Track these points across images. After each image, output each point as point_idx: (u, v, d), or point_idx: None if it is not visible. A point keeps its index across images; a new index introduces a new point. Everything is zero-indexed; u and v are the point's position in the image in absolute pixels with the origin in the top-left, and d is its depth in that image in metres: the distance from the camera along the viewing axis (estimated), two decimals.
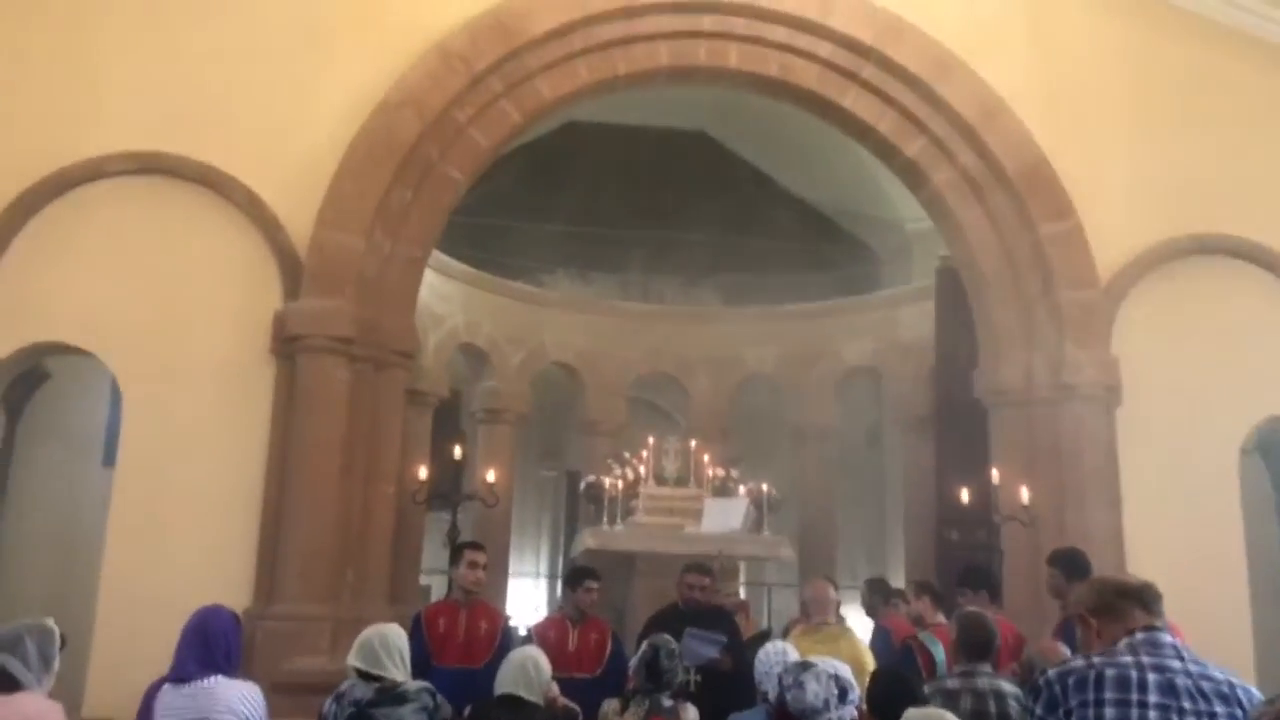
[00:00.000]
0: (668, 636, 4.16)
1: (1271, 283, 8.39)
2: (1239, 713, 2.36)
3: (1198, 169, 8.48)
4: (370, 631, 4.05)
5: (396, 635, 4.02)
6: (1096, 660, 2.41)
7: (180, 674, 3.66)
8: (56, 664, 3.54)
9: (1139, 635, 2.39)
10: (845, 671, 3.61)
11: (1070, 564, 5.93)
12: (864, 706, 3.69)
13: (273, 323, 7.17)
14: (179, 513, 6.81)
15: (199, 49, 7.45)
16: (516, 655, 4.11)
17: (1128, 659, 2.36)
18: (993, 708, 3.92)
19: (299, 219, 7.31)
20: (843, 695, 3.54)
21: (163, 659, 3.81)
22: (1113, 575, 2.55)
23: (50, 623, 3.55)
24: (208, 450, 6.96)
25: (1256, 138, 8.67)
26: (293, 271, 7.23)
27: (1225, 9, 8.72)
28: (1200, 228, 8.34)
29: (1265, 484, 9.24)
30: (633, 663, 4.13)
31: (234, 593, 6.68)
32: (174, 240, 7.21)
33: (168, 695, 3.64)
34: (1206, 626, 5.99)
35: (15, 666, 3.39)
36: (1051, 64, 8.49)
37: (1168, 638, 2.38)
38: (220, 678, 3.69)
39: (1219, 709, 2.34)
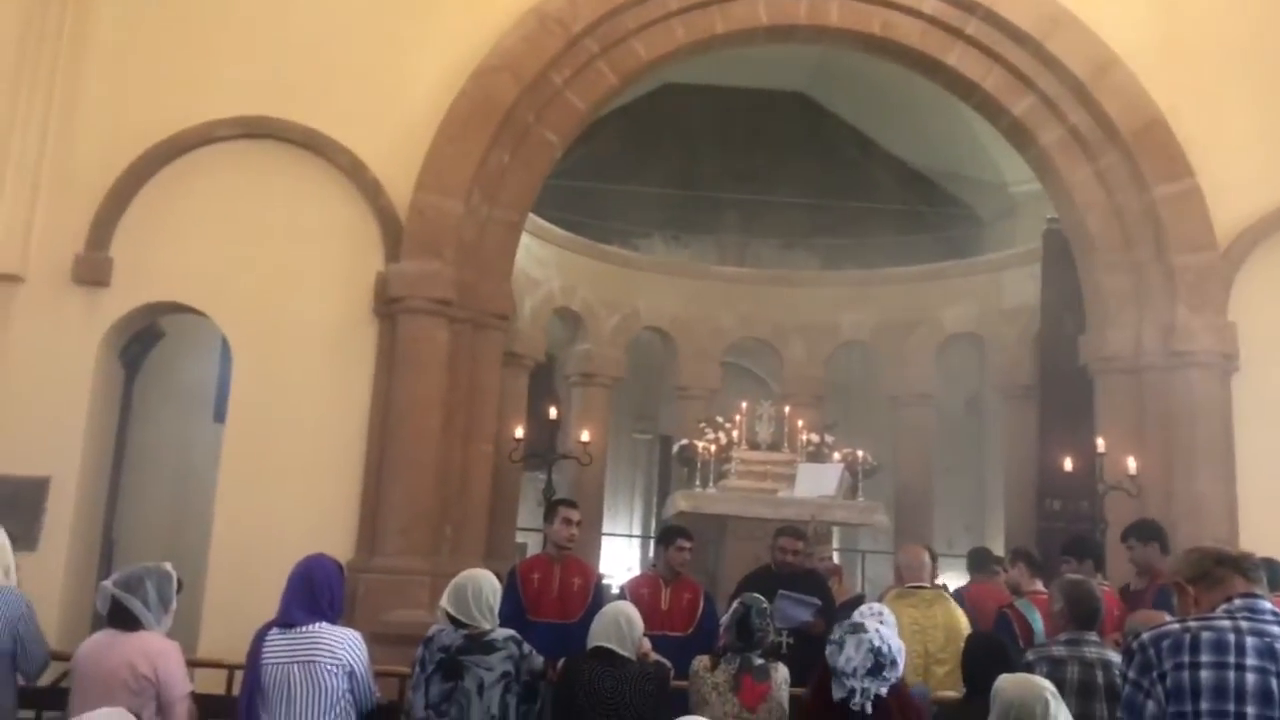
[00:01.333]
0: (759, 596, 4.16)
1: None
2: None
3: None
4: (464, 577, 4.14)
5: (489, 583, 4.11)
6: (1192, 624, 2.37)
7: (286, 619, 3.81)
8: (174, 605, 3.73)
9: (1237, 601, 2.35)
10: (893, 648, 3.54)
11: (1165, 537, 5.77)
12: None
13: (375, 284, 7.33)
14: (285, 467, 7.03)
15: (304, 15, 7.61)
16: (610, 610, 4.16)
17: (1225, 623, 2.32)
18: (1100, 678, 3.84)
19: (399, 182, 7.44)
20: (876, 669, 3.48)
21: (271, 605, 3.96)
22: (1210, 545, 2.47)
23: (169, 567, 3.74)
24: (313, 408, 7.17)
25: None
26: (394, 234, 7.37)
27: None
28: None
29: None
30: (724, 620, 4.14)
31: (338, 545, 6.89)
32: (280, 203, 7.40)
33: (275, 638, 3.79)
34: None
35: (136, 606, 3.59)
36: (1169, 16, 8.11)
37: (1267, 604, 2.33)
38: (324, 624, 3.82)
39: None
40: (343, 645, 3.80)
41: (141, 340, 8.17)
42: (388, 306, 7.29)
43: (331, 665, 3.73)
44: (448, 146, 7.47)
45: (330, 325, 7.32)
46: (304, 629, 3.78)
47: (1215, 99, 8.00)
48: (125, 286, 7.20)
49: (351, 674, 3.78)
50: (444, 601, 4.08)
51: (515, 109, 7.63)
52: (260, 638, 3.83)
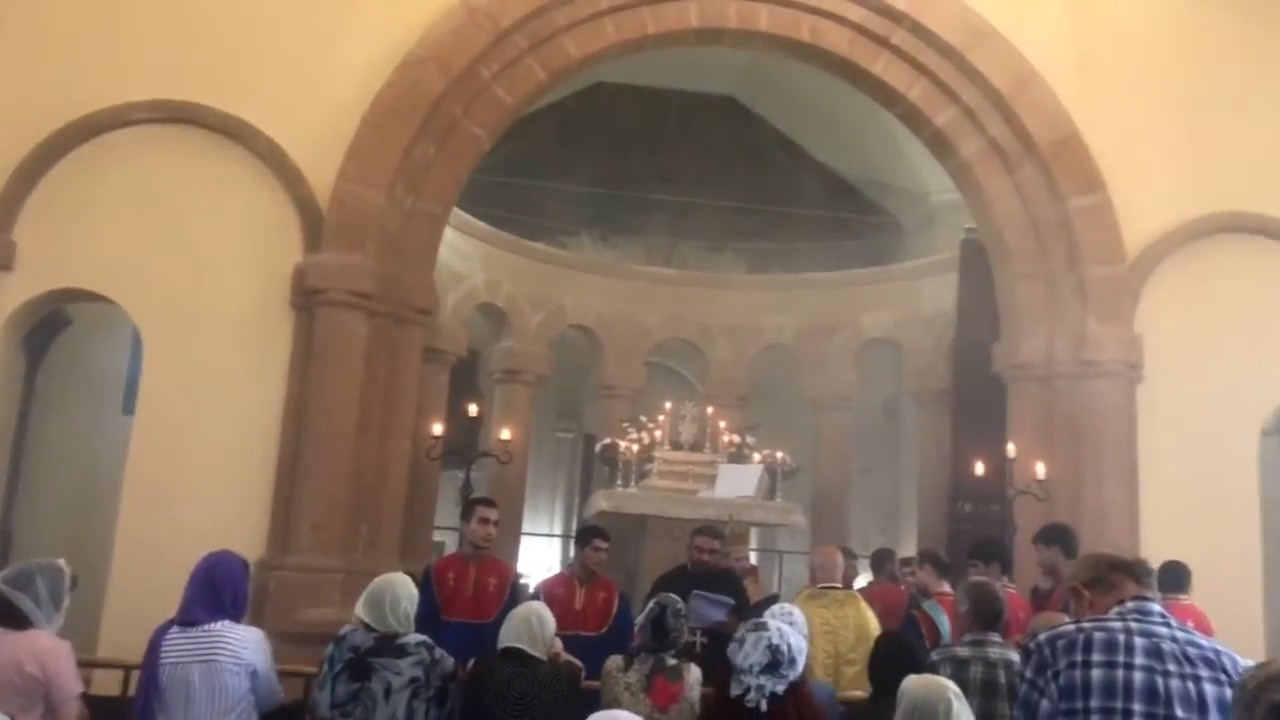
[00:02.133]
0: (675, 596, 4.17)
1: None
2: (1223, 677, 2.42)
3: (1232, 146, 8.33)
4: (380, 583, 4.08)
5: (406, 591, 4.05)
6: (1086, 625, 2.48)
7: (187, 617, 3.71)
8: (66, 603, 3.60)
9: (1129, 604, 2.45)
10: (793, 646, 3.58)
11: (1069, 541, 5.93)
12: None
13: (292, 275, 7.19)
14: (196, 461, 6.86)
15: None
16: (521, 610, 4.14)
17: (1117, 624, 2.43)
18: (1002, 677, 3.93)
19: (321, 172, 7.30)
20: (773, 667, 3.51)
21: (176, 604, 3.85)
22: (1105, 550, 2.56)
23: (61, 563, 3.60)
24: (226, 401, 7.00)
25: None
26: (314, 225, 7.24)
27: None
28: (1231, 205, 8.20)
29: None
30: (639, 620, 4.14)
31: (248, 542, 6.72)
32: (197, 190, 7.21)
33: (174, 637, 3.69)
34: (1219, 606, 6.00)
35: (26, 604, 3.45)
36: (1088, 34, 8.34)
37: (1156, 606, 2.44)
38: (227, 622, 3.73)
39: (1203, 673, 2.41)
40: (245, 644, 3.71)
41: (47, 328, 7.91)
42: (305, 299, 7.15)
43: (233, 665, 3.64)
44: (372, 137, 7.36)
45: (245, 317, 7.15)
46: (205, 628, 3.68)
47: (1128, 116, 8.24)
48: (30, 271, 6.93)
49: (254, 674, 3.70)
50: (359, 609, 4.01)
51: (442, 101, 7.55)
52: (159, 637, 3.72)
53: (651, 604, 4.06)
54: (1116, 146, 8.12)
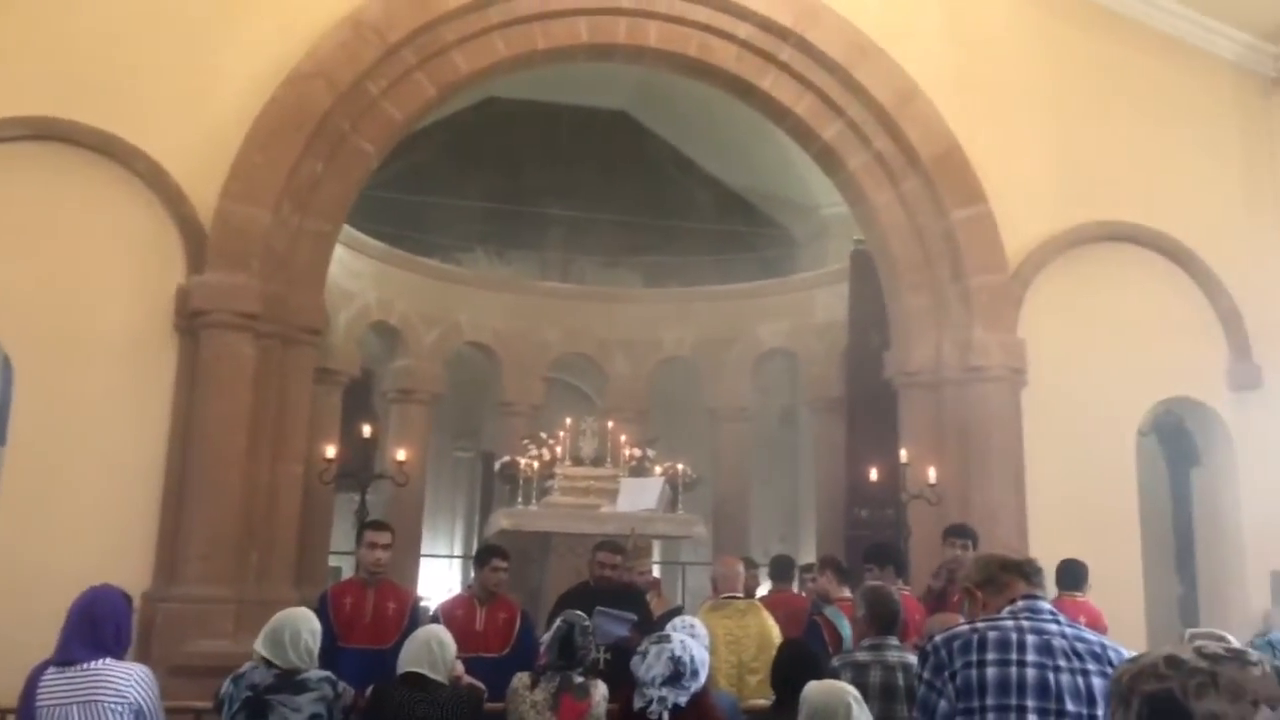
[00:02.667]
0: (582, 614, 4.14)
1: (1171, 269, 8.70)
2: (1109, 670, 2.53)
3: (1104, 158, 8.74)
4: (280, 618, 3.93)
5: (306, 623, 3.92)
6: (980, 625, 2.56)
7: (66, 656, 3.53)
8: None
9: (1020, 602, 2.54)
10: (695, 658, 3.60)
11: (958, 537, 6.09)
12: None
13: (176, 297, 6.97)
14: (75, 493, 6.58)
15: (99, 9, 7.16)
16: (420, 634, 4.06)
17: (1009, 623, 2.52)
18: (901, 680, 4.00)
19: (204, 191, 7.10)
20: (675, 678, 3.54)
21: (54, 642, 3.66)
22: (995, 551, 2.66)
23: None
24: (106, 428, 6.74)
25: (1161, 130, 8.96)
26: (197, 245, 7.03)
27: (1133, 3, 8.96)
28: (1105, 215, 8.59)
29: (1160, 465, 9.58)
30: (545, 639, 4.09)
31: (133, 574, 6.46)
32: (71, 210, 6.93)
33: (51, 679, 3.50)
34: (1103, 600, 6.22)
35: None
36: (966, 51, 8.64)
37: (1045, 604, 2.54)
38: (109, 660, 3.56)
39: (1091, 666, 2.52)
40: (129, 682, 3.54)
41: None
42: (189, 321, 6.94)
43: (116, 704, 3.47)
44: (256, 154, 7.19)
45: (126, 340, 6.90)
46: (85, 666, 3.51)
47: (1004, 130, 8.56)
48: None
49: (139, 713, 3.53)
50: (259, 644, 3.86)
51: (329, 117, 7.42)
52: (35, 677, 3.53)
53: (559, 622, 4.02)
54: (995, 159, 8.42)
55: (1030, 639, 2.45)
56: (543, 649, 4.20)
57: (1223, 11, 9.00)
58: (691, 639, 3.74)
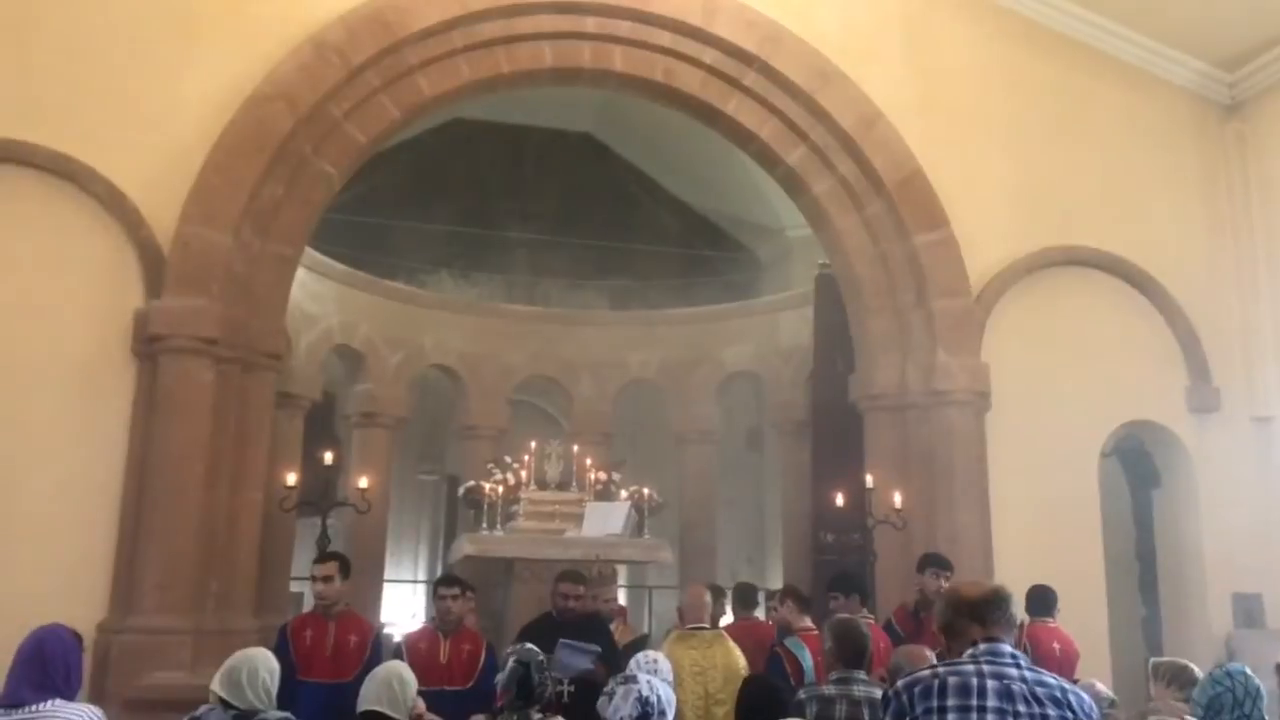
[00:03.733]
0: (533, 649, 4.06)
1: (1130, 293, 8.81)
2: (1069, 715, 2.53)
3: (1064, 183, 8.85)
4: (237, 658, 3.84)
5: (266, 665, 3.82)
6: (941, 670, 2.56)
7: (13, 699, 3.40)
8: None
9: (981, 646, 2.53)
10: (662, 698, 3.56)
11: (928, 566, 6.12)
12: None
13: (133, 322, 6.87)
14: (29, 521, 6.47)
15: (56, 31, 7.08)
16: (380, 671, 3.97)
17: (969, 667, 2.51)
18: (867, 715, 3.96)
19: (163, 214, 7.02)
20: (644, 719, 3.49)
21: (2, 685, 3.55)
22: (964, 586, 2.64)
23: None
24: (62, 455, 6.62)
25: (1120, 155, 9.10)
26: (156, 269, 6.94)
27: (1089, 29, 9.11)
28: (1066, 240, 8.70)
29: (1122, 487, 9.67)
30: (500, 679, 4.02)
31: (87, 606, 6.41)
32: (25, 233, 6.85)
33: None
34: (1068, 622, 6.23)
35: None
36: (927, 77, 8.73)
37: (1007, 648, 2.53)
38: (58, 701, 3.44)
39: (1051, 712, 2.52)
40: None
41: None
42: (148, 346, 6.84)
43: None
44: (216, 176, 7.11)
45: (82, 366, 6.79)
46: (34, 708, 3.39)
47: (966, 155, 8.65)
48: None
49: None
50: (215, 685, 3.76)
51: (291, 140, 7.36)
52: None
53: (513, 662, 3.93)
54: (957, 184, 8.50)
55: (990, 684, 2.45)
56: (499, 689, 4.11)
57: (1179, 40, 9.16)
58: (657, 677, 3.69)
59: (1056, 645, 5.86)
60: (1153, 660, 4.48)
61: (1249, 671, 3.67)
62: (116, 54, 7.14)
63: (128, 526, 6.65)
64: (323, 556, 5.72)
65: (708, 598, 5.70)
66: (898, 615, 6.40)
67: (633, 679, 3.56)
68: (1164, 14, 8.91)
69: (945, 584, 5.91)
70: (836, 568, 8.00)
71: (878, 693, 3.94)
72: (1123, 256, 8.77)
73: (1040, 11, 9.03)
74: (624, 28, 8.17)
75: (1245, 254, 9.09)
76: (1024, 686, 2.45)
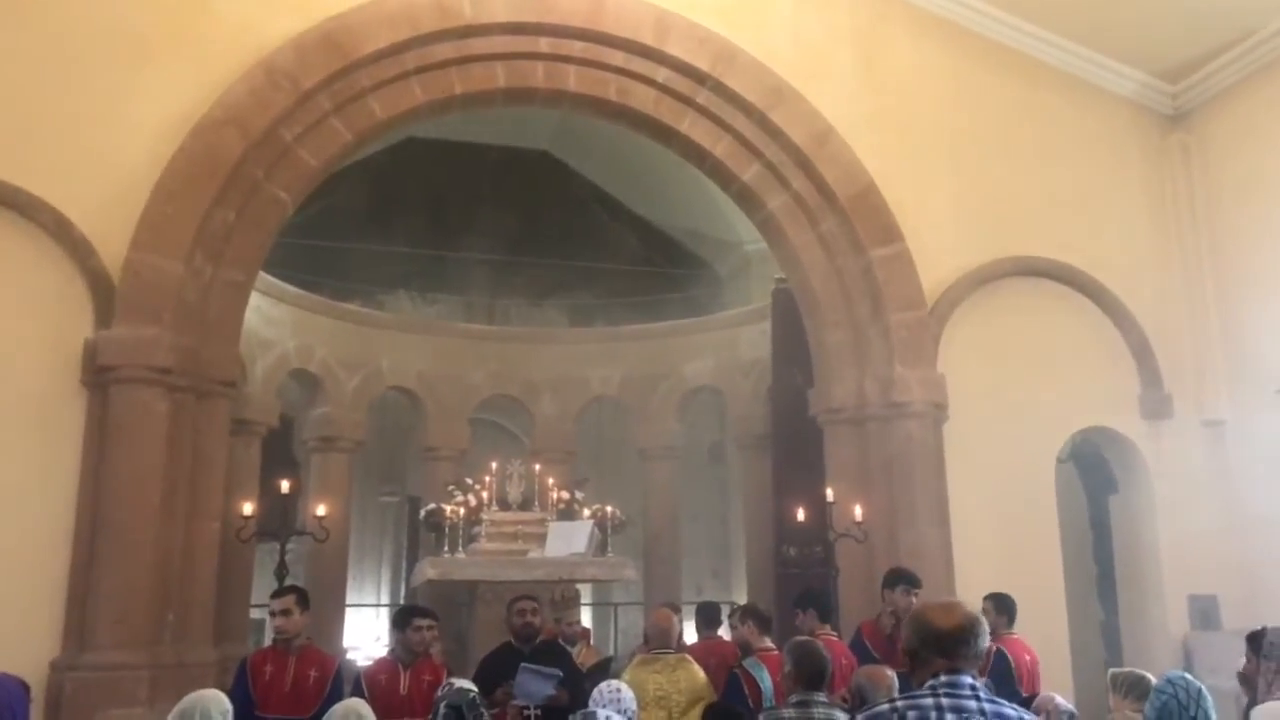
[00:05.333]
0: (464, 688, 3.97)
1: (1082, 302, 8.93)
2: None
3: (1014, 195, 8.96)
4: (190, 701, 3.77)
5: (216, 704, 3.76)
6: (900, 704, 2.54)
7: None
8: None
9: (942, 677, 2.52)
10: None
11: (894, 582, 6.14)
12: None
13: (83, 352, 6.76)
14: None
15: (0, 57, 6.96)
16: (339, 709, 3.91)
17: (928, 700, 2.49)
18: None
19: (112, 242, 6.93)
20: None
21: None
22: (934, 613, 2.62)
23: None
24: (10, 489, 6.51)
25: (1067, 166, 9.24)
26: (105, 298, 6.85)
27: (1035, 43, 9.25)
28: (1018, 251, 8.80)
29: (1079, 492, 9.78)
30: None
31: (39, 644, 6.31)
32: None
33: None
34: (1028, 628, 6.27)
35: None
36: (878, 92, 8.81)
37: (967, 679, 2.51)
38: None
39: None
40: None
41: None
42: (98, 376, 6.74)
43: None
44: (166, 204, 7.03)
45: (30, 398, 6.67)
46: None
47: (918, 169, 8.74)
48: None
49: None
50: None
51: (242, 165, 7.30)
52: None
53: (443, 708, 3.82)
54: (910, 198, 8.58)
55: (949, 717, 2.44)
56: None
57: (1123, 53, 9.32)
58: (617, 712, 3.67)
59: (1028, 656, 5.87)
60: (1111, 671, 4.52)
61: (1188, 676, 3.72)
62: (62, 80, 7.04)
63: (81, 560, 6.53)
64: (280, 590, 5.65)
65: (675, 621, 5.66)
66: (868, 632, 6.26)
67: (593, 716, 3.54)
68: (1108, 28, 9.06)
69: (915, 600, 5.85)
70: (800, 581, 8.00)
71: (839, 715, 3.94)
72: (1073, 265, 8.89)
73: (988, 27, 9.15)
74: (577, 48, 8.18)
75: (1192, 261, 9.25)
76: (983, 718, 2.45)
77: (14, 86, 6.94)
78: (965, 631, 2.55)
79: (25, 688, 3.58)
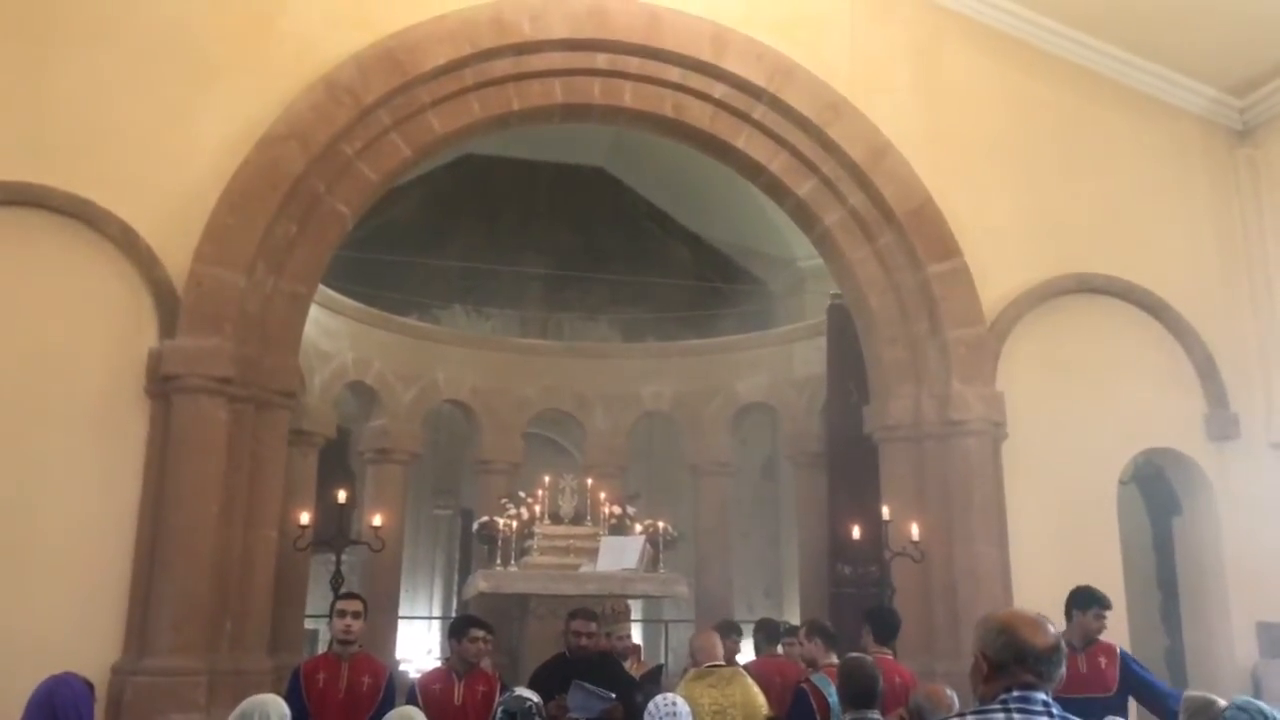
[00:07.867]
0: (522, 696, 3.98)
1: (1146, 320, 8.74)
2: None
3: (1075, 210, 8.81)
4: (250, 704, 3.82)
5: (276, 709, 3.80)
6: (969, 717, 2.43)
7: None
8: None
9: (1015, 692, 2.41)
10: None
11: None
12: None
13: (147, 362, 6.90)
14: (43, 562, 6.48)
15: (72, 73, 7.17)
16: (393, 716, 3.94)
17: (1000, 715, 2.38)
18: None
19: (177, 254, 7.07)
20: None
21: None
22: (1027, 628, 2.49)
23: None
24: (76, 495, 6.63)
25: (1131, 182, 9.06)
26: (169, 308, 6.98)
27: (1096, 57, 9.11)
28: (1078, 267, 8.65)
29: (1142, 514, 9.56)
30: None
31: (101, 647, 6.41)
32: (40, 275, 6.90)
33: None
34: None
35: None
36: (936, 107, 8.73)
37: (1041, 695, 2.41)
38: None
39: None
40: None
41: None
42: (161, 385, 6.86)
43: None
44: (229, 216, 7.16)
45: (95, 406, 6.82)
46: None
47: (977, 184, 8.63)
48: None
49: None
50: None
51: (304, 179, 7.41)
52: None
53: (500, 714, 3.83)
54: (968, 213, 8.47)
55: None
56: None
57: (1188, 67, 9.14)
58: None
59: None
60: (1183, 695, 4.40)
61: (1260, 702, 3.60)
62: (131, 96, 7.22)
63: (142, 566, 6.64)
64: (350, 593, 5.71)
65: (717, 638, 5.61)
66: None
67: None
68: (1173, 41, 8.90)
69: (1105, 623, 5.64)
70: (855, 601, 7.91)
71: None
72: (1136, 283, 8.72)
73: (1048, 40, 9.04)
74: (634, 63, 8.21)
75: (1259, 279, 9.02)
76: None
77: (86, 103, 7.13)
78: (1059, 651, 2.46)
79: (90, 687, 3.64)
